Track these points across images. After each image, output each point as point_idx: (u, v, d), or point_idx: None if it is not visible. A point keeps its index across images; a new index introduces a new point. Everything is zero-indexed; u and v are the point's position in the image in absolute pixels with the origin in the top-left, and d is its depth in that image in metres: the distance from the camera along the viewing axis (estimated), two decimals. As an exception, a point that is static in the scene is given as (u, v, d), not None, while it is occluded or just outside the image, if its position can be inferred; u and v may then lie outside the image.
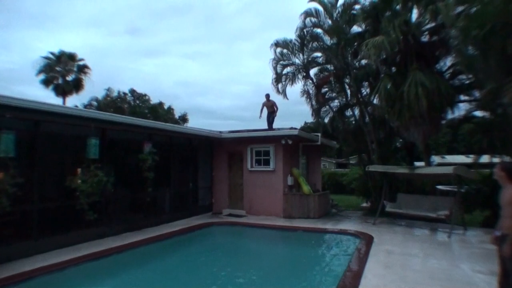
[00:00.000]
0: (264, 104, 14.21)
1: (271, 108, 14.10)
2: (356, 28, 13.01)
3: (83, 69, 31.29)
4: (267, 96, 14.27)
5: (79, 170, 8.28)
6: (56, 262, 6.61)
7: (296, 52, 14.56)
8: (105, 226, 8.95)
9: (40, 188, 7.66)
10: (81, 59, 31.37)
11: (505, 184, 4.12)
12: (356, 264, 6.47)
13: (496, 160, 10.20)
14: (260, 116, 14.30)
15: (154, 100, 43.59)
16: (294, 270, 7.20)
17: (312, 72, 15.16)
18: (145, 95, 43.42)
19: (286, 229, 10.63)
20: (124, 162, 10.66)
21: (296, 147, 13.64)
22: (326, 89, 15.29)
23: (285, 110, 24.87)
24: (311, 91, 15.18)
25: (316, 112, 15.63)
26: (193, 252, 8.77)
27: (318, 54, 14.59)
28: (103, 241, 8.48)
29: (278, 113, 14.18)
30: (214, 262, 7.70)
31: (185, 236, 9.88)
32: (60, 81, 30.14)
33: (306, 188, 12.49)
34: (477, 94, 10.91)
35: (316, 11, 13.26)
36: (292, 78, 15.02)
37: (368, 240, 8.41)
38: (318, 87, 14.92)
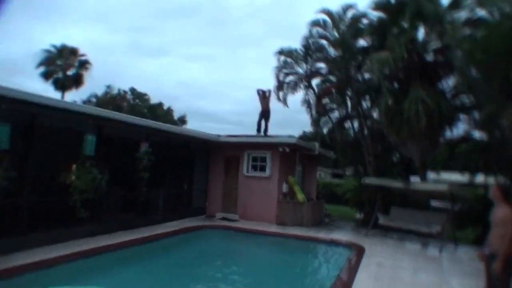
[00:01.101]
0: (260, 100, 13.56)
1: (266, 107, 13.48)
2: (361, 42, 13.14)
3: (84, 64, 31.05)
4: (265, 92, 13.57)
5: (74, 166, 8.13)
6: (45, 258, 6.39)
7: (300, 61, 14.67)
8: (97, 224, 8.70)
9: (33, 182, 7.42)
10: (83, 54, 31.17)
11: (499, 203, 4.24)
12: (346, 274, 6.49)
13: (490, 180, 10.30)
14: (259, 92, 13.59)
15: (154, 100, 43.36)
16: (283, 279, 7.15)
17: (314, 82, 15.25)
18: (145, 94, 43.25)
19: (278, 236, 10.62)
20: (119, 160, 10.46)
21: (293, 155, 13.58)
22: (327, 100, 15.39)
23: (284, 118, 24.96)
24: (311, 101, 15.26)
25: (315, 122, 15.72)
26: (183, 255, 8.71)
27: (322, 65, 14.71)
28: (94, 239, 8.16)
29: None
30: (203, 266, 7.67)
31: (176, 237, 9.80)
32: (60, 75, 29.81)
33: (300, 197, 12.51)
34: (476, 115, 11.01)
35: (324, 22, 13.41)
36: (294, 87, 15.10)
37: (359, 251, 8.44)
38: (319, 97, 14.99)
